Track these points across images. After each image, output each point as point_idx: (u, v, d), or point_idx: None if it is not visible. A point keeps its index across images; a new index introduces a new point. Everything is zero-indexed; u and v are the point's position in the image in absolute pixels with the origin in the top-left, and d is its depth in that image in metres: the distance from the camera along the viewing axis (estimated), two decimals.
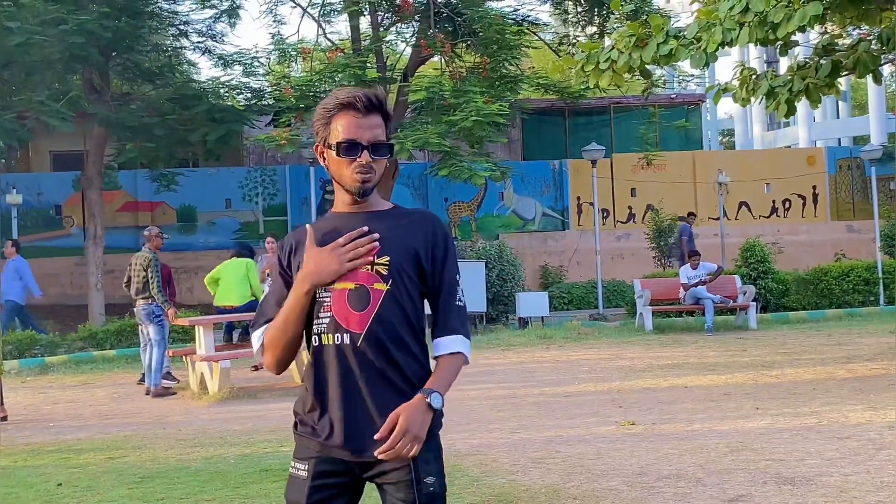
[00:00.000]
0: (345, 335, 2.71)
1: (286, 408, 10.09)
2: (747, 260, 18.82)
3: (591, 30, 22.39)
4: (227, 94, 21.55)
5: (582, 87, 20.33)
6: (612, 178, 25.23)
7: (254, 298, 12.26)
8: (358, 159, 2.77)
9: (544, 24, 23.82)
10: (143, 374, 12.40)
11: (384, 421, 2.65)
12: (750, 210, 26.10)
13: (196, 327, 11.47)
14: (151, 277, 11.50)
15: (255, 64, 22.14)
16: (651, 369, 12.07)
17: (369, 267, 2.73)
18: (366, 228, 2.77)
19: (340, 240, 2.73)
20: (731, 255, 21.64)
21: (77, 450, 8.16)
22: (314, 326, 2.75)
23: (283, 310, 2.73)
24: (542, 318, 17.73)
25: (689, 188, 25.49)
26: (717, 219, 23.56)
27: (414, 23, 21.37)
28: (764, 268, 18.69)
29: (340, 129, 2.79)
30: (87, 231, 21.54)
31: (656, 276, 19.30)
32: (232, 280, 12.04)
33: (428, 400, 2.65)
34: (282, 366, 2.81)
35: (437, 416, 2.73)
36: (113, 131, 20.37)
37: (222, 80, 21.81)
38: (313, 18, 22.04)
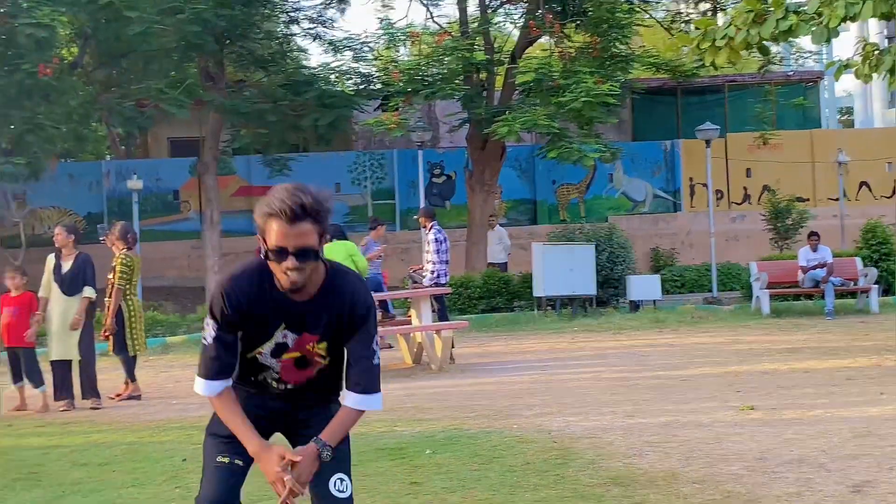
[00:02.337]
0: (287, 385, 3.38)
1: (399, 388, 10.21)
2: (868, 242, 18.20)
3: (705, 6, 21.86)
4: (336, 80, 21.79)
5: (696, 65, 19.90)
6: (727, 159, 24.68)
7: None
8: (285, 262, 3.10)
9: (655, 2, 23.37)
10: None
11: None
12: (871, 190, 25.19)
13: None
14: None
15: (365, 49, 22.32)
16: (769, 353, 11.78)
17: (310, 346, 3.28)
18: (291, 463, 3.20)
19: (283, 472, 3.17)
20: (851, 236, 20.94)
21: (200, 427, 8.28)
22: (259, 372, 3.38)
23: (231, 424, 3.28)
24: (654, 301, 17.47)
25: (806, 168, 24.75)
26: (837, 199, 22.81)
27: (522, 4, 21.22)
28: (886, 249, 18.05)
29: (272, 234, 3.11)
30: (204, 215, 22.09)
31: (773, 259, 18.80)
32: None
33: (320, 452, 3.20)
34: None
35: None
36: (227, 118, 20.82)
37: (332, 65, 22.05)
38: (421, 2, 22.13)
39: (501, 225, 21.30)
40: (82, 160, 26.81)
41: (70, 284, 9.82)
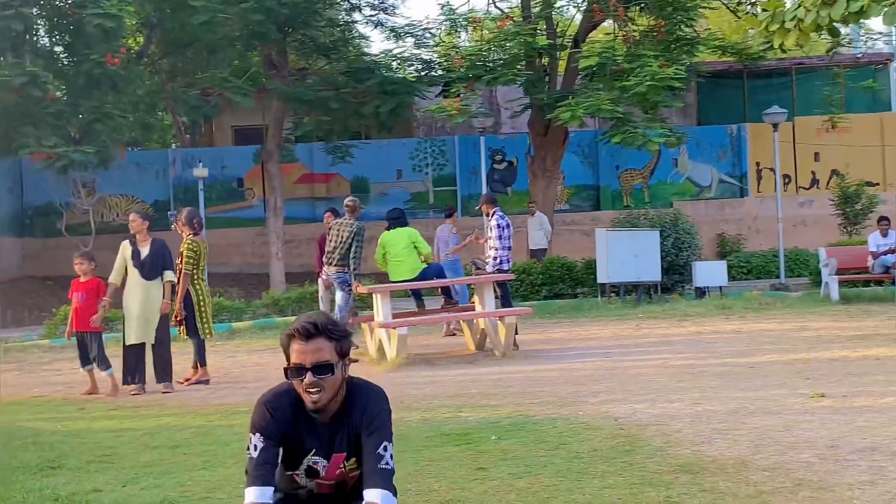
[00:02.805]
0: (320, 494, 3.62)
1: (462, 374, 10.23)
2: None
3: None
4: (398, 67, 21.83)
5: (763, 47, 19.55)
6: (794, 143, 24.26)
7: (426, 265, 12.16)
8: (304, 379, 3.34)
9: None
10: None
11: None
12: None
13: (374, 295, 11.70)
14: (356, 247, 11.82)
15: (426, 35, 22.32)
16: (839, 340, 11.55)
17: (342, 467, 3.53)
18: None
19: None
20: None
21: None
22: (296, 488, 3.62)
23: None
24: (720, 287, 17.24)
25: (876, 152, 24.22)
26: None
27: None
28: None
29: (293, 354, 3.38)
30: (268, 202, 22.33)
31: (842, 244, 18.43)
32: (400, 254, 12.01)
33: None
34: None
35: None
36: (290, 105, 20.99)
37: (394, 52, 22.10)
38: None
39: (564, 211, 21.21)
40: (149, 149, 27.25)
41: (150, 269, 10.00)
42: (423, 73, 21.68)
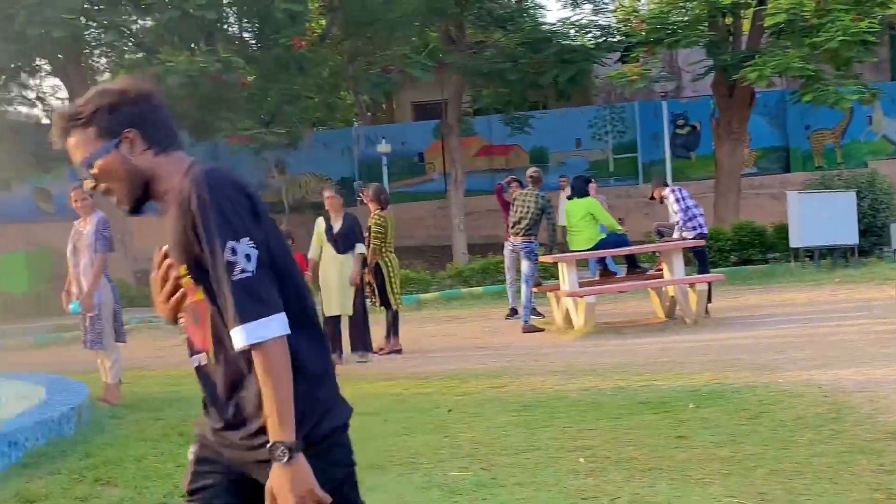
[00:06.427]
0: (200, 355, 2.40)
1: (653, 342, 10.13)
2: None
3: None
4: (576, 35, 21.63)
5: None
6: None
7: (605, 236, 12.04)
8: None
9: None
10: (512, 309, 12.91)
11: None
12: None
13: (559, 264, 11.71)
14: (549, 217, 11.96)
15: (604, 1, 22.02)
16: None
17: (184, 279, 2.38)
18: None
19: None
20: None
21: (460, 378, 8.66)
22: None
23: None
24: None
25: None
26: None
27: None
28: None
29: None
30: (449, 176, 22.63)
31: None
32: (577, 225, 11.98)
33: (275, 462, 2.18)
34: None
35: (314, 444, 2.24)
36: (469, 79, 21.16)
37: (571, 20, 21.91)
38: None
39: (752, 174, 20.51)
40: (333, 128, 28.07)
41: (343, 243, 10.39)
42: (601, 40, 21.41)
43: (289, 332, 2.21)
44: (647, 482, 5.03)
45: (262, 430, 2.23)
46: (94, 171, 2.38)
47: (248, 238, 2.23)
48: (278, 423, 2.17)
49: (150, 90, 2.44)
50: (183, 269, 2.34)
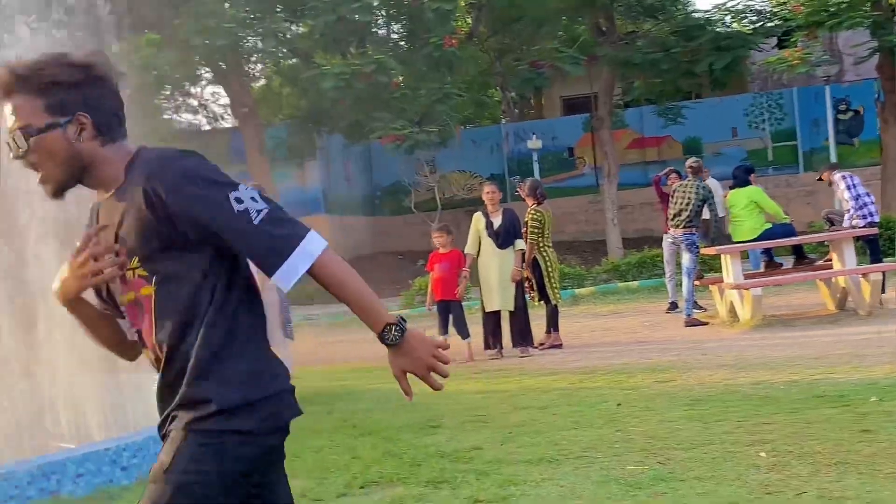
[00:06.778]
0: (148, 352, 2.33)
1: (825, 334, 9.75)
2: None
3: None
4: (732, 20, 21.08)
5: None
6: None
7: (769, 226, 11.69)
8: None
9: None
10: (672, 303, 12.66)
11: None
12: None
13: (723, 256, 11.41)
14: (711, 209, 11.74)
15: None
16: None
17: (131, 272, 2.25)
18: (93, 231, 2.27)
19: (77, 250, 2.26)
20: None
21: (626, 373, 8.55)
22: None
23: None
24: None
25: None
26: None
27: None
28: None
29: None
30: (601, 169, 22.40)
31: None
32: (739, 214, 11.68)
33: (393, 343, 2.26)
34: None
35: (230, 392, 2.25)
36: (620, 70, 20.89)
37: (726, 5, 21.35)
38: None
39: None
40: (481, 126, 28.21)
41: (503, 238, 10.42)
42: (758, 25, 20.79)
43: (325, 242, 2.23)
44: (833, 477, 4.84)
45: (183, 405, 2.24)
46: (31, 143, 2.21)
47: (239, 184, 2.21)
48: (374, 311, 2.25)
49: (111, 73, 2.27)
50: (135, 262, 2.23)
